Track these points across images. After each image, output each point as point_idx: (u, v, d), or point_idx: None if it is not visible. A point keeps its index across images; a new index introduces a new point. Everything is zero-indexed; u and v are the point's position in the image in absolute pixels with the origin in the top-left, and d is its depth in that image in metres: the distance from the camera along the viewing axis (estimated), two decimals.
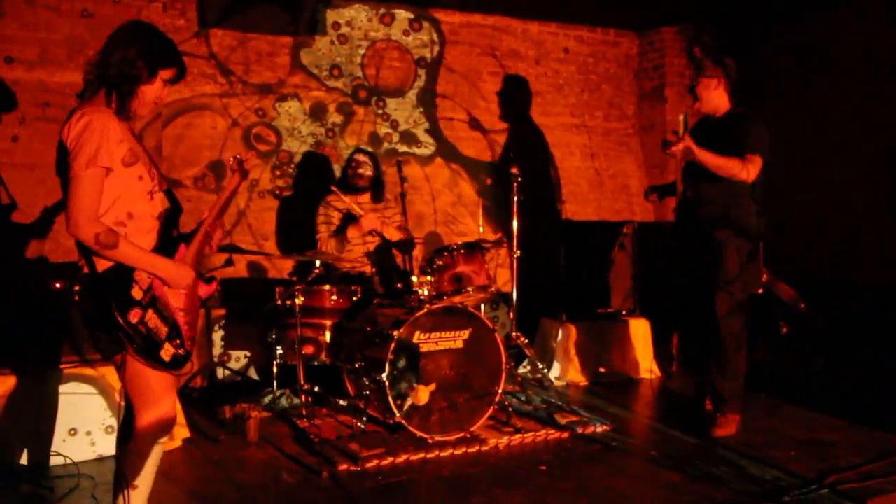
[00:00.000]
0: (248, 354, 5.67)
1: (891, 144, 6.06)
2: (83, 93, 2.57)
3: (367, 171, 5.25)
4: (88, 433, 4.03)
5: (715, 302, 4.32)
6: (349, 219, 5.22)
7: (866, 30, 6.24)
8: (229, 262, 5.65)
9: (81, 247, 2.48)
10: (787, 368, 5.74)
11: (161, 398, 2.59)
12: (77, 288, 2.55)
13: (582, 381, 5.69)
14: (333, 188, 5.24)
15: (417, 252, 5.95)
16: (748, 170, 4.16)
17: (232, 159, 2.93)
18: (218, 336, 5.54)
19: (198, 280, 2.73)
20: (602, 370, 5.79)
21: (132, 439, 2.61)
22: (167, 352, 2.52)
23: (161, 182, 2.66)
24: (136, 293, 2.48)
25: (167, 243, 2.64)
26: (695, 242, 4.47)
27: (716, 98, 4.41)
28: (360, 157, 5.27)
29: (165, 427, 2.64)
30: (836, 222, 6.44)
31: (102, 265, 2.48)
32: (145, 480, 2.63)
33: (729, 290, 4.30)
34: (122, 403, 2.73)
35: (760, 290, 5.65)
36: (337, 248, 5.13)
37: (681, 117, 4.14)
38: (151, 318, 2.49)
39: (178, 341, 2.58)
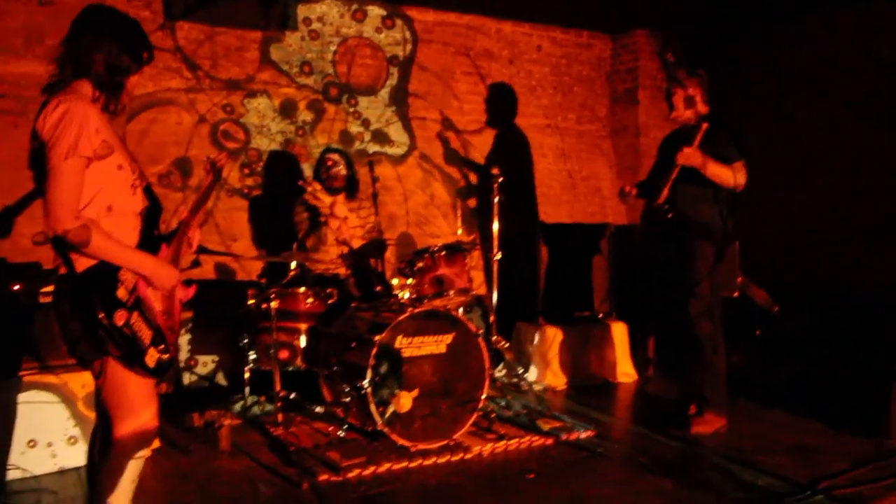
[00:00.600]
0: (216, 359, 5.46)
1: (862, 150, 6.11)
2: (51, 87, 2.38)
3: (342, 171, 5.10)
4: (49, 444, 3.81)
5: (687, 304, 4.36)
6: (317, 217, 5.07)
7: (837, 38, 6.28)
8: (196, 264, 5.41)
9: (59, 244, 2.30)
10: (764, 372, 5.72)
11: (141, 408, 2.41)
12: (51, 288, 2.36)
13: (559, 384, 5.60)
14: (311, 183, 5.05)
15: (389, 254, 5.80)
16: (738, 177, 4.27)
17: (206, 159, 2.86)
18: (184, 340, 5.32)
19: (179, 284, 2.57)
20: (579, 374, 5.70)
21: (108, 453, 2.41)
22: (152, 357, 2.34)
23: (142, 178, 2.49)
24: (122, 293, 2.30)
25: (149, 242, 2.47)
26: (664, 245, 4.52)
27: (687, 104, 4.46)
28: (334, 157, 5.11)
29: (145, 439, 2.46)
30: (811, 227, 6.47)
31: (83, 264, 2.30)
32: (124, 497, 2.43)
33: (697, 292, 4.35)
34: (95, 413, 2.54)
35: (736, 294, 5.66)
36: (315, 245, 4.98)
37: (705, 126, 4.17)
38: (136, 321, 2.32)
39: (163, 346, 2.41)
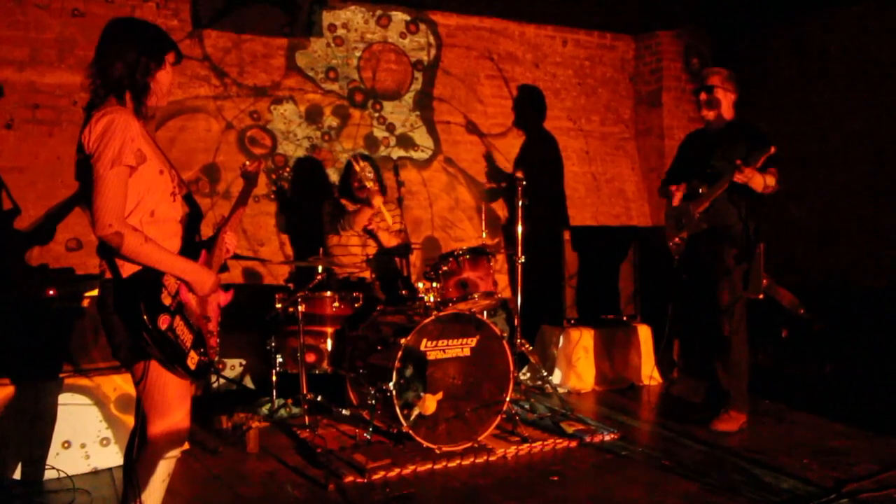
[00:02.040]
0: (244, 362, 5.55)
1: (891, 146, 6.05)
2: (91, 105, 2.47)
3: (372, 185, 5.06)
4: (83, 445, 3.90)
5: (710, 304, 4.45)
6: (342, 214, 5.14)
7: (864, 31, 6.23)
8: (224, 268, 5.51)
9: (103, 250, 2.40)
10: (790, 374, 5.69)
11: (175, 408, 2.50)
12: (94, 293, 2.45)
13: (584, 387, 5.61)
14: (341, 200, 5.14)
15: (415, 258, 5.86)
16: (770, 181, 4.29)
17: (241, 166, 2.97)
18: (217, 351, 5.40)
19: (218, 288, 2.65)
20: (604, 376, 5.71)
21: (143, 450, 2.50)
22: (192, 360, 2.42)
23: (181, 185, 2.58)
24: (165, 298, 2.39)
25: (189, 248, 2.56)
26: (689, 248, 4.56)
27: (727, 105, 4.50)
28: (365, 173, 5.01)
29: (178, 438, 2.54)
30: (837, 225, 6.43)
31: (128, 269, 2.40)
32: (154, 496, 2.50)
33: (720, 293, 4.42)
34: (135, 416, 2.63)
35: (761, 296, 5.63)
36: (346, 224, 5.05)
37: (773, 150, 4.18)
38: (179, 325, 2.40)
39: (202, 349, 2.49)
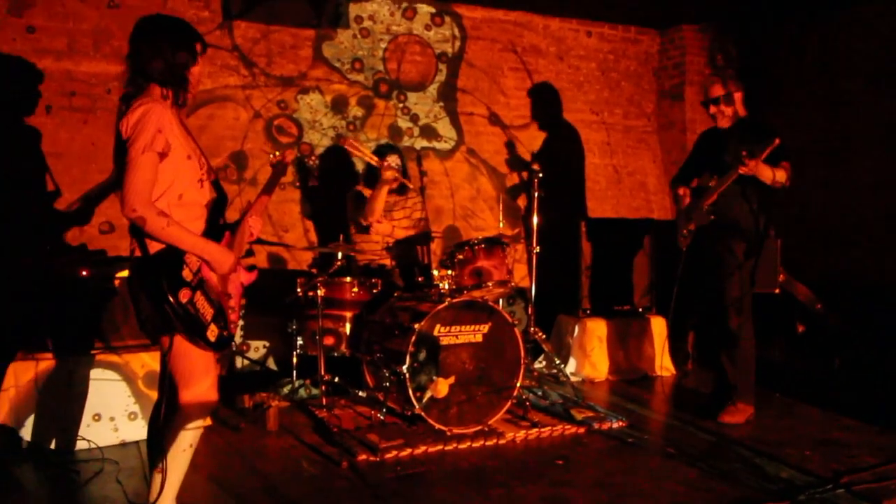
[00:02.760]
0: (267, 345, 5.73)
1: None
2: (128, 97, 2.66)
3: (399, 177, 5.21)
4: (112, 419, 4.11)
5: (717, 297, 4.52)
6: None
7: (888, 29, 6.22)
8: (249, 253, 5.70)
9: (134, 230, 2.60)
10: (803, 368, 5.75)
11: (201, 378, 2.68)
12: (126, 273, 2.64)
13: (598, 377, 5.72)
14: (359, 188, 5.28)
15: (436, 246, 5.99)
16: (780, 177, 4.33)
17: (271, 155, 3.22)
18: (237, 326, 5.59)
19: (241, 267, 2.84)
20: (618, 366, 5.81)
21: (171, 418, 2.69)
22: (212, 332, 2.61)
23: (210, 172, 2.77)
24: (187, 274, 2.58)
25: (214, 230, 2.75)
26: (702, 241, 4.62)
27: (738, 103, 4.54)
28: (394, 163, 5.16)
29: (205, 407, 2.73)
30: (855, 222, 6.45)
31: (154, 247, 2.59)
32: (177, 462, 2.68)
33: (727, 286, 4.48)
34: (158, 389, 2.81)
35: (777, 290, 5.69)
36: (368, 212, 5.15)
37: (777, 141, 4.21)
38: (199, 299, 2.59)
39: (223, 323, 2.67)
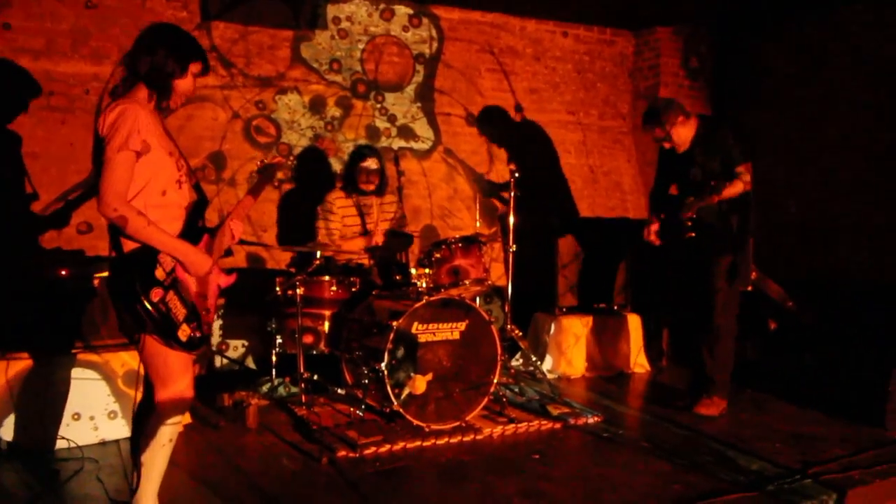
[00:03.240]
0: (246, 344, 5.75)
1: (885, 145, 6.19)
2: (115, 90, 2.72)
3: (375, 179, 5.31)
4: (92, 418, 4.12)
5: (704, 297, 4.64)
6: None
7: (863, 31, 6.36)
8: (228, 252, 5.70)
9: (111, 230, 2.64)
10: (775, 365, 5.86)
11: (177, 377, 2.71)
12: (106, 274, 2.68)
13: (574, 373, 5.80)
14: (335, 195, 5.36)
15: (413, 245, 6.04)
16: (744, 182, 4.49)
17: (259, 162, 3.32)
18: (216, 325, 5.62)
19: (219, 270, 2.87)
20: (594, 364, 5.90)
21: (149, 416, 2.73)
22: (184, 332, 2.64)
23: (190, 175, 2.80)
24: (160, 274, 2.62)
25: (192, 232, 2.78)
26: (680, 241, 4.74)
27: (686, 132, 4.66)
28: (370, 165, 5.27)
29: (180, 405, 2.76)
30: (827, 221, 6.58)
31: (129, 247, 2.63)
32: (156, 458, 2.72)
33: (708, 284, 4.62)
34: (141, 388, 2.84)
35: (749, 288, 5.80)
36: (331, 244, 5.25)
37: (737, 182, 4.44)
38: (172, 300, 2.62)
39: (196, 324, 2.70)
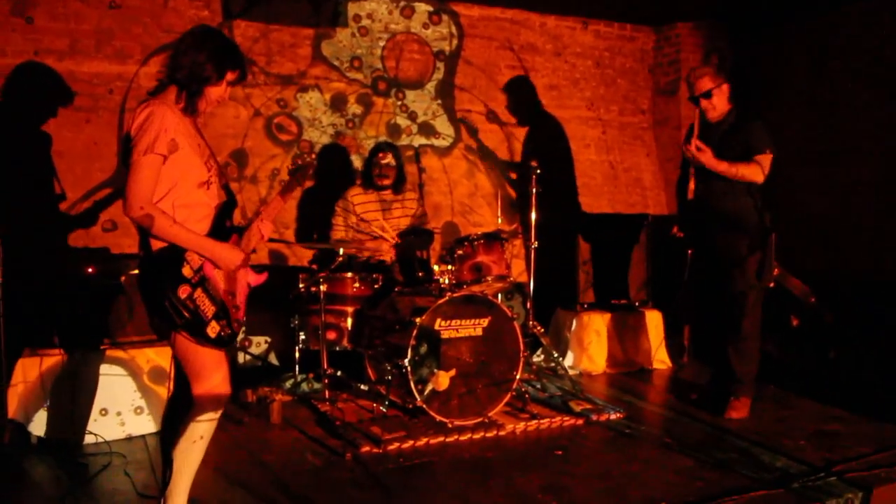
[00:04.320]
0: (269, 340, 5.80)
1: None
2: (154, 90, 2.74)
3: (392, 174, 5.33)
4: (118, 413, 4.19)
5: (730, 291, 4.54)
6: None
7: (881, 29, 6.30)
8: (252, 250, 5.77)
9: (140, 230, 2.66)
10: (798, 362, 5.83)
11: (210, 373, 2.74)
12: (131, 272, 2.71)
13: (595, 370, 5.80)
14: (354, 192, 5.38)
15: (435, 242, 6.06)
16: (758, 171, 4.40)
17: (293, 163, 3.31)
18: (241, 324, 5.65)
19: (249, 268, 2.89)
20: (615, 360, 5.90)
21: (190, 410, 2.74)
22: (213, 329, 2.66)
23: (220, 176, 2.82)
24: (187, 272, 2.64)
25: (220, 233, 2.80)
26: (703, 236, 4.69)
27: (724, 104, 4.59)
28: (386, 159, 5.31)
29: (216, 401, 2.78)
30: (847, 218, 6.53)
31: (157, 246, 2.66)
32: (191, 456, 2.75)
33: (736, 281, 4.53)
34: (171, 386, 2.88)
35: (772, 285, 5.76)
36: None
37: (695, 126, 4.35)
38: (199, 296, 2.64)
39: (225, 322, 2.72)
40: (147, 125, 2.58)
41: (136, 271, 2.79)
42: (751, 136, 4.44)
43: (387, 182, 5.33)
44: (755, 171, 4.39)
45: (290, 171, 3.28)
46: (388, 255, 5.33)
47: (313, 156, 3.37)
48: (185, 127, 2.71)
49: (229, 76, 2.79)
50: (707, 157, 4.39)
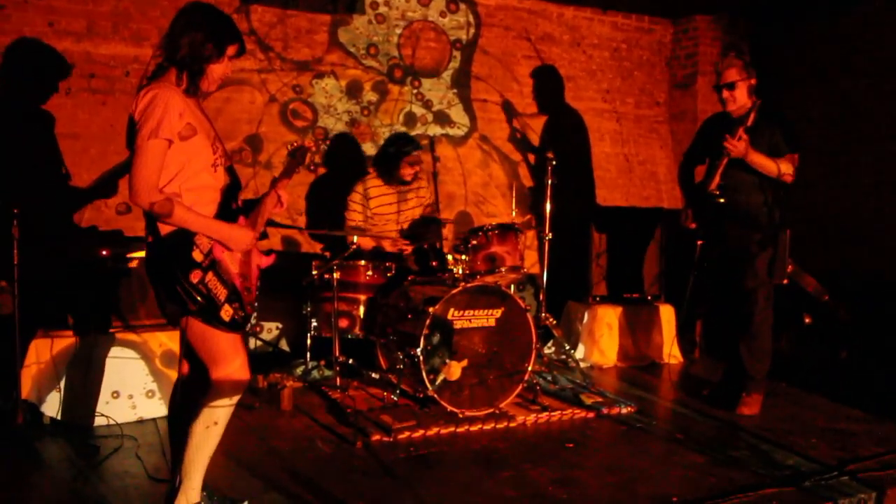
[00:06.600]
0: (280, 326, 5.80)
1: None
2: (153, 74, 2.69)
3: (419, 170, 5.33)
4: (130, 396, 4.20)
5: (737, 288, 4.54)
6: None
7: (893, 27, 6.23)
8: (264, 236, 5.76)
9: (147, 215, 2.63)
10: (810, 359, 5.80)
11: (229, 357, 2.71)
12: (141, 254, 2.68)
13: (606, 363, 5.79)
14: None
15: (447, 231, 6.04)
16: (783, 168, 4.36)
17: (290, 145, 3.21)
18: (254, 307, 5.66)
19: (258, 251, 2.88)
20: (626, 353, 5.88)
21: (206, 394, 2.71)
22: (226, 312, 2.65)
23: (225, 158, 2.79)
24: (197, 256, 2.62)
25: (227, 215, 2.76)
26: (716, 231, 4.66)
27: (744, 98, 4.53)
28: (416, 161, 5.27)
29: (237, 386, 2.75)
30: (863, 217, 6.48)
31: (165, 230, 2.63)
32: (203, 439, 2.73)
33: (746, 277, 4.50)
34: (180, 369, 2.87)
35: (785, 281, 5.72)
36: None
37: (752, 116, 4.27)
38: (211, 280, 2.63)
39: (238, 304, 2.70)
40: (150, 110, 2.53)
41: (145, 256, 2.75)
42: (782, 133, 4.40)
43: (411, 178, 5.32)
44: (789, 168, 4.36)
45: (289, 152, 3.24)
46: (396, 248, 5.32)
47: (309, 141, 3.31)
48: (193, 109, 2.68)
49: (230, 51, 2.73)
50: (748, 149, 4.30)
